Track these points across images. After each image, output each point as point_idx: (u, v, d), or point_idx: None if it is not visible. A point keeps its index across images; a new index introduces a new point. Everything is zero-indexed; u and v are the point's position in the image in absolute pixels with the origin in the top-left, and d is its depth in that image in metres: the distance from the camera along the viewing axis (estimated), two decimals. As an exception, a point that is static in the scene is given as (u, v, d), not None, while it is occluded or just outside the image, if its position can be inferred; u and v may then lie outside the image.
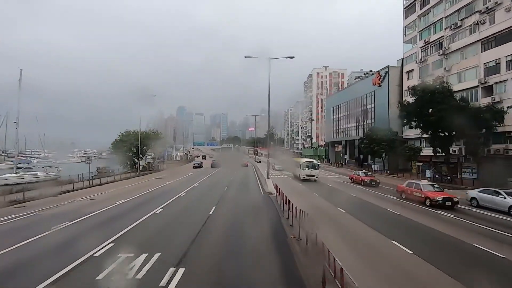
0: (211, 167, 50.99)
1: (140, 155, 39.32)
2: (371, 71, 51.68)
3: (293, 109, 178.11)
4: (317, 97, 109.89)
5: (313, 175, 30.96)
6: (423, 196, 17.89)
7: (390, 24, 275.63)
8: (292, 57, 22.68)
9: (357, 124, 56.15)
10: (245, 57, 22.25)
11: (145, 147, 40.66)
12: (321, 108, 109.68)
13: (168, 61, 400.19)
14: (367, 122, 52.49)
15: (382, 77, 47.35)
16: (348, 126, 60.47)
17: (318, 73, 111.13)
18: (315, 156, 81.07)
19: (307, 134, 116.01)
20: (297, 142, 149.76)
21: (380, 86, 48.15)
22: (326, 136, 76.33)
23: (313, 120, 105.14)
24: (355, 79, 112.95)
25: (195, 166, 52.14)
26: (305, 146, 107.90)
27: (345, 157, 61.63)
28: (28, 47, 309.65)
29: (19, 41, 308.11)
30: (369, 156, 48.63)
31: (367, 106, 52.68)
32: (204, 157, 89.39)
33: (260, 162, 58.22)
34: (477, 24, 31.91)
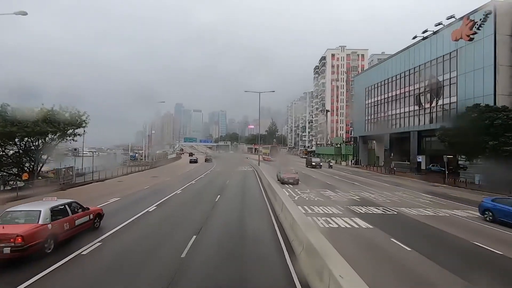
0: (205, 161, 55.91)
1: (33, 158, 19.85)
2: (439, 23, 32.31)
3: (298, 102, 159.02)
4: (331, 84, 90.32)
5: None
6: None
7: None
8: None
9: (417, 107, 36.66)
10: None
11: (44, 140, 20.81)
12: (337, 96, 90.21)
13: (166, 58, 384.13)
14: (438, 103, 33.07)
15: (479, 24, 27.78)
16: (396, 112, 40.96)
17: (333, 55, 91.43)
18: (335, 156, 62.00)
19: (318, 129, 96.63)
20: (304, 138, 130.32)
21: (471, 40, 28.61)
22: (355, 128, 56.62)
23: (328, 111, 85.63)
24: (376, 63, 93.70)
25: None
26: (317, 143, 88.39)
27: (390, 157, 42.04)
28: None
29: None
30: (442, 159, 29.04)
31: (438, 78, 33.14)
32: (191, 154, 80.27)
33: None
34: None
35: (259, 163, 37.96)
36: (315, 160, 45.91)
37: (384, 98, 43.72)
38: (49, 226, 7.86)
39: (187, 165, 48.51)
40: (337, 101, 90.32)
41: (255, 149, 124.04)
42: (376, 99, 46.14)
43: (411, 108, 37.56)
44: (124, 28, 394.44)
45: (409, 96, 38.11)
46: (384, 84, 43.69)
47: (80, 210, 9.47)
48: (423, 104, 35.30)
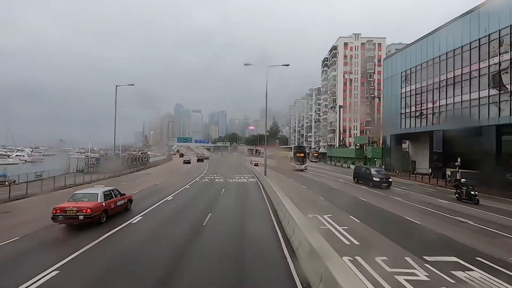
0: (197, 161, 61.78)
1: None
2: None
3: (302, 100, 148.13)
4: (344, 77, 79.01)
5: None
6: None
7: None
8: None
9: (495, 91, 25.27)
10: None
11: None
12: (350, 91, 78.87)
13: (166, 59, 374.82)
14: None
15: None
16: (454, 101, 29.60)
17: (346, 44, 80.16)
18: (355, 160, 50.63)
19: (328, 128, 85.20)
20: (309, 139, 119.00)
21: None
22: (384, 125, 45.14)
23: (341, 107, 74.27)
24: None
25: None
26: (328, 144, 76.88)
27: (437, 162, 30.43)
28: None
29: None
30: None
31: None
32: (182, 155, 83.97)
33: (257, 165, 43.12)
34: None
35: (265, 172, 26.42)
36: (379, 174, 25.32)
37: (434, 83, 32.31)
38: (103, 204, 11.63)
39: (168, 173, 37.47)
40: (351, 96, 79.01)
41: (257, 150, 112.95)
42: (419, 85, 34.74)
43: (484, 94, 26.19)
44: (123, 29, 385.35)
45: (478, 76, 26.76)
46: (434, 63, 32.28)
47: (119, 195, 13.15)
48: (509, 87, 23.90)
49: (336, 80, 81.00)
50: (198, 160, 64.60)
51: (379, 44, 79.39)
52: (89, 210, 10.55)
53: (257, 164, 43.65)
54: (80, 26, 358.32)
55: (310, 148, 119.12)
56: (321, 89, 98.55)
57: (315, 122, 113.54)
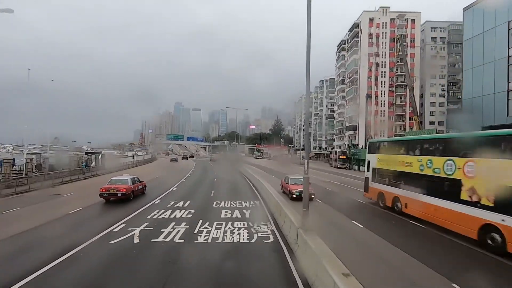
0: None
1: None
2: None
3: (311, 95, 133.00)
4: (369, 60, 63.55)
5: None
6: None
7: None
8: None
9: None
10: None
11: None
12: (377, 78, 63.38)
13: (167, 58, 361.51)
14: None
15: None
16: None
17: (371, 20, 64.68)
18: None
19: (348, 124, 69.67)
20: (319, 138, 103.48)
21: None
22: (463, 116, 29.43)
23: (370, 96, 58.71)
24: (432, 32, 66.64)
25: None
26: (352, 143, 61.31)
27: None
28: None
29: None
30: None
31: None
32: (168, 154, 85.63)
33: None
34: None
35: (306, 204, 11.12)
36: None
37: None
38: (132, 186, 16.41)
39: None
40: (377, 84, 63.57)
41: (259, 149, 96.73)
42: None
43: None
44: (123, 25, 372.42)
45: None
46: None
47: (138, 181, 17.69)
48: None
49: (358, 65, 65.50)
50: (183, 158, 71.52)
51: (413, 21, 63.83)
52: (125, 189, 15.75)
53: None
54: (78, 21, 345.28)
55: (320, 148, 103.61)
56: (336, 78, 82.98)
57: (326, 118, 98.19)
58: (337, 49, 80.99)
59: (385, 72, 63.72)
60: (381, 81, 63.54)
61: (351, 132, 66.62)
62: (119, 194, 15.41)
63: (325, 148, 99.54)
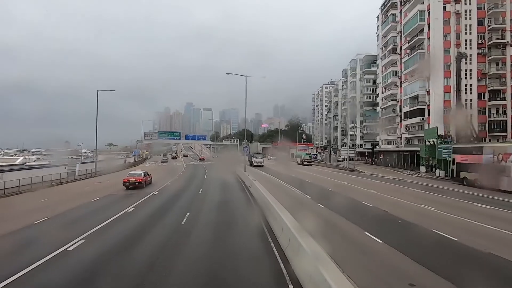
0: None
1: None
2: None
3: (329, 85, 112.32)
4: (444, 9, 41.72)
5: None
6: None
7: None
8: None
9: None
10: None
11: None
12: (461, 32, 41.47)
13: (175, 59, 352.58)
14: None
15: None
16: None
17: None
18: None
19: (410, 108, 47.67)
20: (355, 132, 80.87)
21: None
22: None
23: (462, 54, 36.83)
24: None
25: None
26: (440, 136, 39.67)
27: None
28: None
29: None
30: None
31: None
32: (160, 154, 78.68)
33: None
34: None
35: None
36: None
37: None
38: (144, 178, 23.34)
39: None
40: (458, 45, 41.49)
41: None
42: None
43: None
44: (128, 27, 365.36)
45: None
46: None
47: (147, 174, 24.69)
48: None
49: (425, 19, 43.62)
50: (173, 158, 73.68)
51: None
52: (140, 180, 22.63)
53: None
54: (78, 22, 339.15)
55: (352, 145, 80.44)
56: (381, 51, 60.79)
57: (361, 107, 76.06)
58: (382, 9, 59.18)
59: (470, 26, 41.64)
60: (465, 40, 41.49)
61: (416, 119, 44.81)
62: (137, 183, 22.40)
63: (360, 145, 77.53)
